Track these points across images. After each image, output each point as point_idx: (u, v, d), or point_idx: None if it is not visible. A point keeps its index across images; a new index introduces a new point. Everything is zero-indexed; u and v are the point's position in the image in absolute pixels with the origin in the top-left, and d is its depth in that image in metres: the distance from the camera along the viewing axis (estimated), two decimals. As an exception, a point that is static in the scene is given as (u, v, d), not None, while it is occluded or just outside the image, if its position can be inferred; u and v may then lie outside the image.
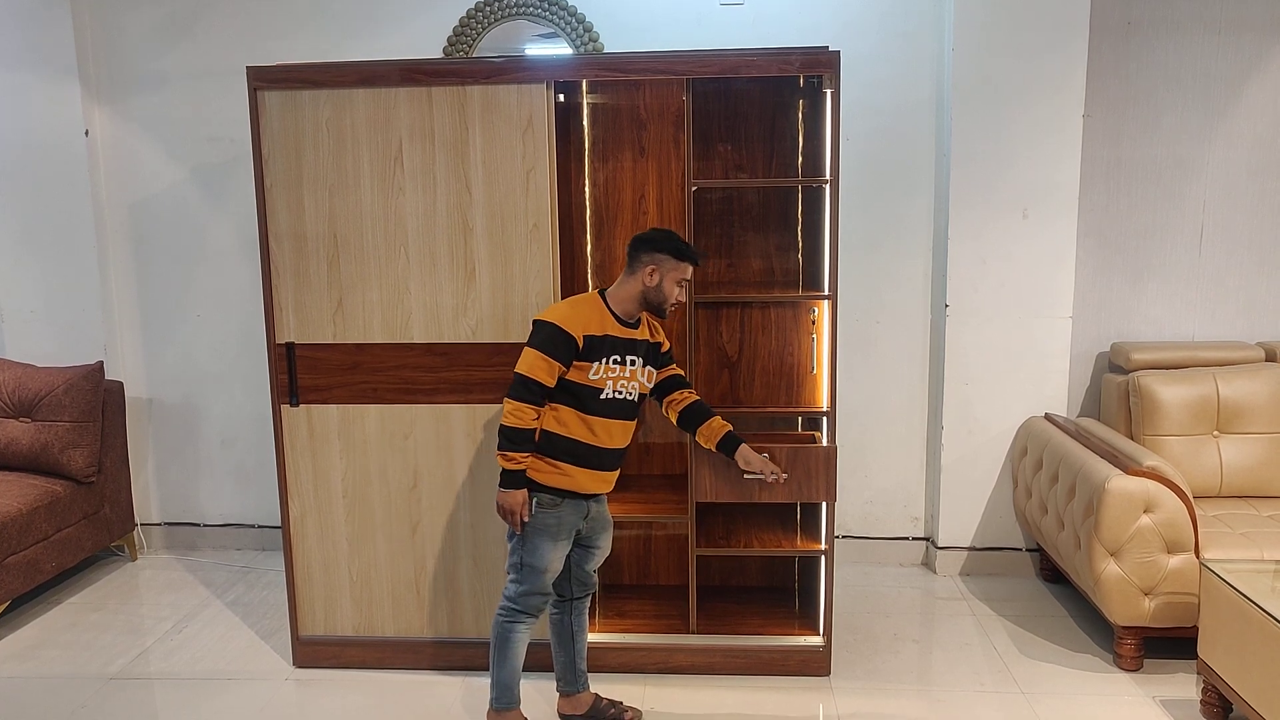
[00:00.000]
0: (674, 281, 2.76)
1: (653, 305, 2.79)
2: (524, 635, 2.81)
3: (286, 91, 3.05)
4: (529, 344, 2.69)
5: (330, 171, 3.09)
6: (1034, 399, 3.93)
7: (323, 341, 3.17)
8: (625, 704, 3.03)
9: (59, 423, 3.95)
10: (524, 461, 2.68)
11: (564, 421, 2.72)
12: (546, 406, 2.72)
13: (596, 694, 3.03)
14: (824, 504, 3.21)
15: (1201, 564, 3.00)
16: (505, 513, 2.71)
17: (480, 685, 3.01)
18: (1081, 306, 4.00)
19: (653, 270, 2.73)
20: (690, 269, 2.79)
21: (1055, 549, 3.59)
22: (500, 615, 2.80)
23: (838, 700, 3.12)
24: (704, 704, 3.10)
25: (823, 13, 3.89)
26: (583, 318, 2.71)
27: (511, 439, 2.65)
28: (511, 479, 2.68)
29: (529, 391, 2.65)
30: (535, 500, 2.72)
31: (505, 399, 2.67)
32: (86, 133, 4.13)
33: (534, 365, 2.65)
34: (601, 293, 2.80)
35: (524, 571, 2.75)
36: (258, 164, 3.09)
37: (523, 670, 2.87)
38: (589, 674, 3.06)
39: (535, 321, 2.72)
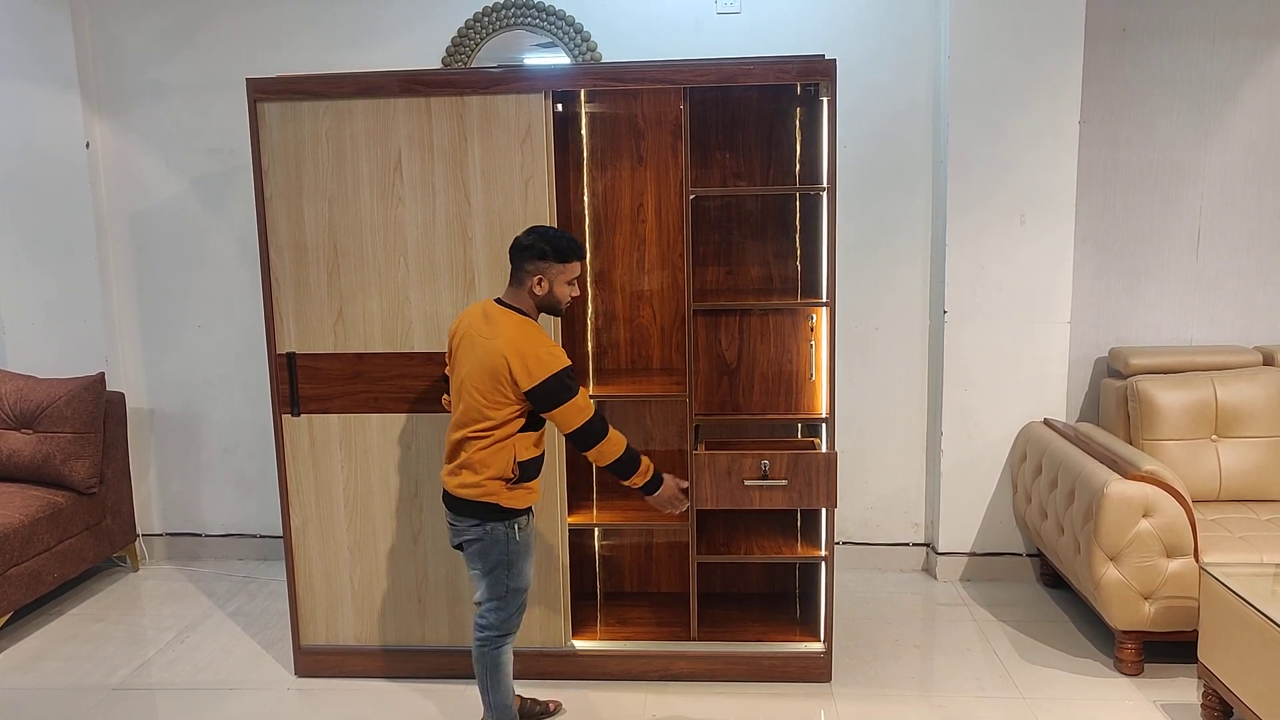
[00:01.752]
0: (564, 283, 2.68)
1: (549, 309, 2.72)
2: (510, 653, 2.80)
3: (286, 102, 3.07)
4: (565, 400, 2.57)
5: (330, 182, 3.10)
6: (1033, 404, 3.94)
7: (323, 351, 3.18)
8: (544, 699, 3.08)
9: (61, 434, 3.96)
10: (650, 463, 2.72)
11: (531, 444, 2.70)
12: (516, 436, 2.65)
13: (520, 695, 3.03)
14: (824, 510, 3.21)
15: (1201, 568, 3.00)
16: (671, 503, 2.77)
17: (482, 693, 3.02)
18: (1080, 311, 4.01)
19: (540, 279, 2.65)
20: (579, 266, 2.70)
21: (1055, 554, 3.59)
22: (484, 644, 2.75)
23: (839, 706, 3.13)
24: (705, 711, 3.11)
25: (819, 19, 3.90)
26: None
27: (629, 459, 2.67)
28: (654, 482, 2.73)
29: (601, 421, 2.65)
30: (516, 524, 2.70)
31: (589, 450, 2.64)
32: (87, 145, 4.15)
33: (585, 407, 2.62)
34: (516, 309, 2.67)
35: (509, 596, 2.74)
36: (258, 174, 3.11)
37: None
38: (577, 681, 3.09)
39: (548, 380, 2.56)
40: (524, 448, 2.68)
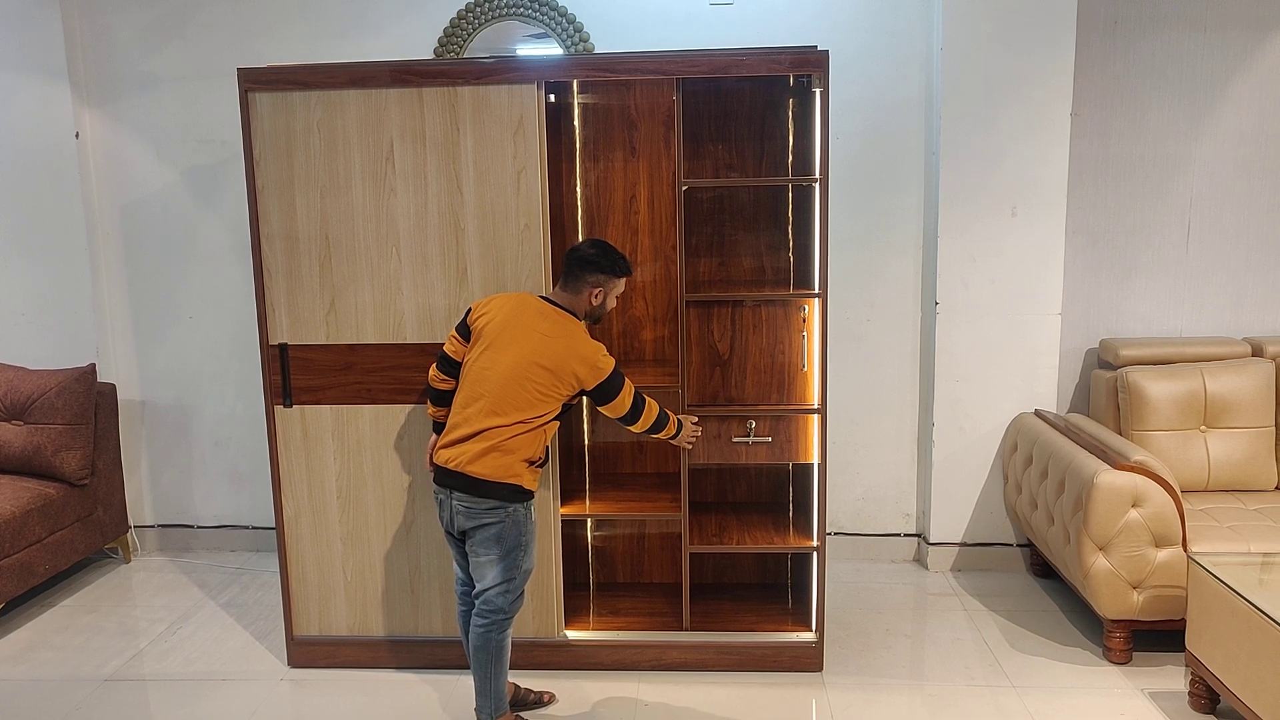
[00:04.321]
0: (614, 297, 2.92)
1: (594, 317, 2.93)
2: (510, 638, 2.84)
3: (277, 93, 3.06)
4: (620, 388, 2.81)
5: (321, 172, 3.10)
6: (1024, 395, 3.96)
7: (316, 342, 3.18)
8: (538, 690, 3.11)
9: (52, 425, 3.95)
10: (674, 416, 3.00)
11: (554, 431, 2.86)
12: (549, 425, 2.79)
13: (514, 684, 3.05)
14: (816, 501, 3.24)
15: (1189, 557, 3.03)
16: (690, 438, 3.07)
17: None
18: (1070, 303, 4.02)
19: (598, 292, 2.85)
20: (625, 280, 2.94)
21: (1045, 544, 3.62)
22: (491, 629, 2.77)
23: (830, 695, 3.15)
24: (697, 700, 3.12)
25: (812, 11, 3.90)
26: None
27: (661, 420, 2.94)
28: (678, 431, 3.01)
29: (642, 398, 2.89)
30: (531, 506, 2.80)
31: (638, 422, 2.88)
32: (77, 135, 4.13)
33: (631, 387, 2.86)
34: (569, 311, 2.84)
35: (518, 579, 2.79)
36: (249, 165, 3.10)
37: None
38: (570, 671, 3.12)
39: (609, 377, 2.78)
40: (550, 433, 2.82)
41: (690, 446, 3.13)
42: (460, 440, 2.73)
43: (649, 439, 3.06)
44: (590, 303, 2.85)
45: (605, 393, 2.81)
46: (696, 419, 3.13)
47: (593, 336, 3.61)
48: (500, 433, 2.70)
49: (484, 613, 2.77)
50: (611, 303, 2.91)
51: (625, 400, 2.84)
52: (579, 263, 2.83)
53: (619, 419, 2.89)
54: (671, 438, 3.02)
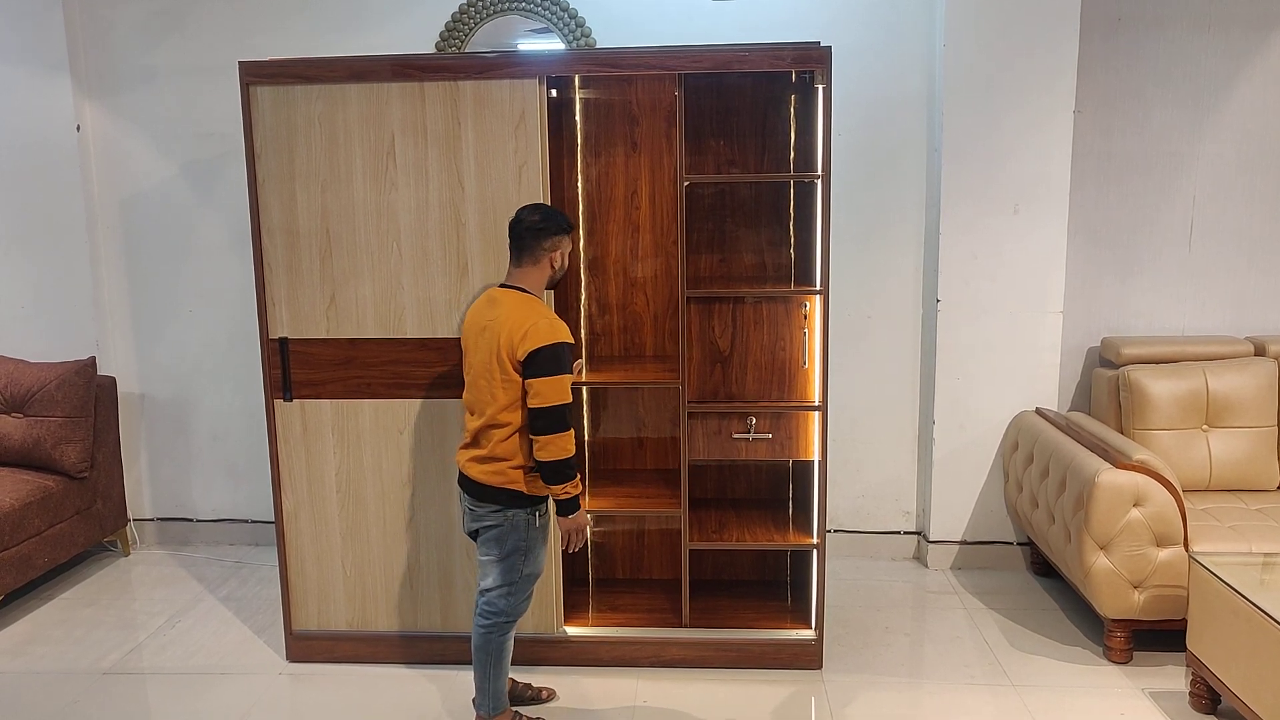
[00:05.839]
0: (567, 252, 2.79)
1: (555, 282, 2.85)
2: (513, 640, 2.84)
3: (278, 87, 3.05)
4: (553, 373, 2.58)
5: (322, 166, 3.09)
6: (1025, 393, 3.95)
7: (316, 336, 3.17)
8: (537, 686, 3.10)
9: (51, 418, 3.94)
10: (580, 484, 2.71)
11: None
12: (525, 427, 2.67)
13: (514, 680, 3.05)
14: (815, 500, 3.23)
15: (1190, 557, 3.02)
16: (576, 533, 2.73)
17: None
18: (1072, 301, 4.01)
19: (560, 253, 2.75)
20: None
21: (1046, 542, 3.61)
22: (492, 631, 2.77)
23: (830, 693, 3.14)
24: (696, 697, 3.12)
25: (813, 6, 3.89)
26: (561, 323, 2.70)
27: (571, 467, 2.65)
28: (575, 502, 2.69)
29: (568, 417, 2.64)
30: (536, 511, 2.74)
31: (545, 435, 2.59)
32: (78, 128, 4.12)
33: (565, 390, 2.62)
34: (520, 289, 2.72)
35: (521, 582, 2.77)
36: (250, 159, 3.09)
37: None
38: (570, 667, 3.11)
39: (543, 349, 2.57)
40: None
41: (572, 539, 2.74)
42: (465, 445, 2.77)
43: (546, 487, 2.69)
44: (554, 265, 2.73)
45: (535, 364, 2.56)
46: (592, 524, 2.87)
47: (595, 330, 3.64)
48: (489, 437, 2.67)
49: (486, 614, 2.77)
50: (566, 260, 2.79)
51: (551, 391, 2.57)
52: (531, 233, 2.69)
53: (534, 415, 2.60)
54: (564, 505, 2.68)
